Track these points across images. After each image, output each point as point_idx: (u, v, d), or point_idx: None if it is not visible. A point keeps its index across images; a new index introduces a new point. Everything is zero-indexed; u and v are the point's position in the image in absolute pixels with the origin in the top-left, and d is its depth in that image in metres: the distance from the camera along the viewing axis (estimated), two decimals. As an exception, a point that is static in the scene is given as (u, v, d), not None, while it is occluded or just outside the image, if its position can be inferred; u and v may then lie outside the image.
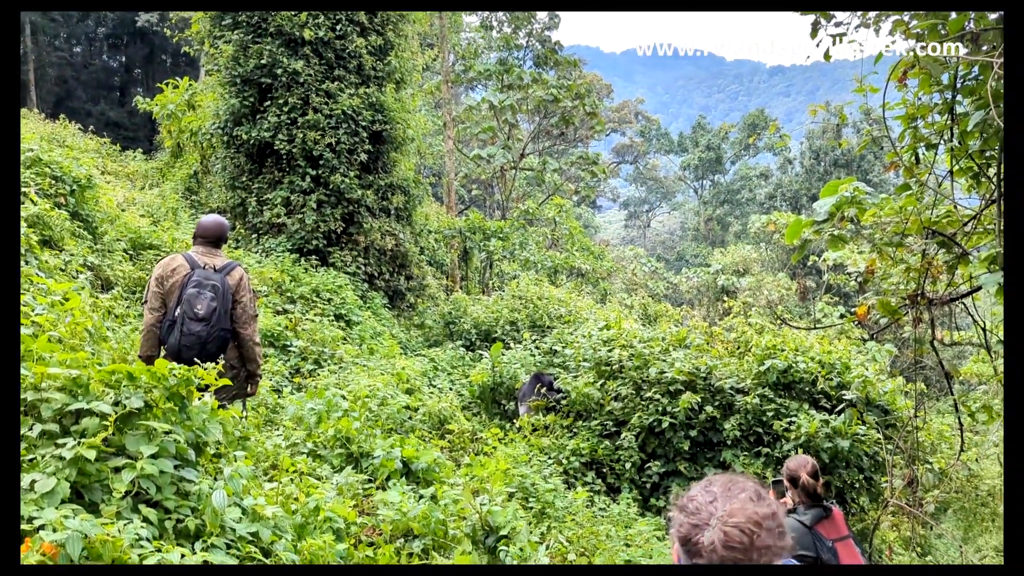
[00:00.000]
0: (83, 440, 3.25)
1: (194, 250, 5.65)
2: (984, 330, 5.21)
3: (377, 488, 5.84)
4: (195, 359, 5.30)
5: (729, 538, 1.69)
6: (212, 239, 5.66)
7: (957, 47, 4.49)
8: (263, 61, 13.84)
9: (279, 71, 13.84)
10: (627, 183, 78.86)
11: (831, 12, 4.69)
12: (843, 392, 9.20)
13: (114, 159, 19.50)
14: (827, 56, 4.89)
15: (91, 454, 3.18)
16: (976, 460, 11.60)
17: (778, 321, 14.22)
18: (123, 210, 11.83)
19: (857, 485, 8.92)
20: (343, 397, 7.45)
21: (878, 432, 8.84)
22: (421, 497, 5.62)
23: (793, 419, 8.90)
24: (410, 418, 8.73)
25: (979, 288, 4.70)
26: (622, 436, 9.18)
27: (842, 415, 8.81)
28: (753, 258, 33.84)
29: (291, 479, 5.14)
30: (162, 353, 5.46)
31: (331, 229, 13.98)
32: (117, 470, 3.32)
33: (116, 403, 3.50)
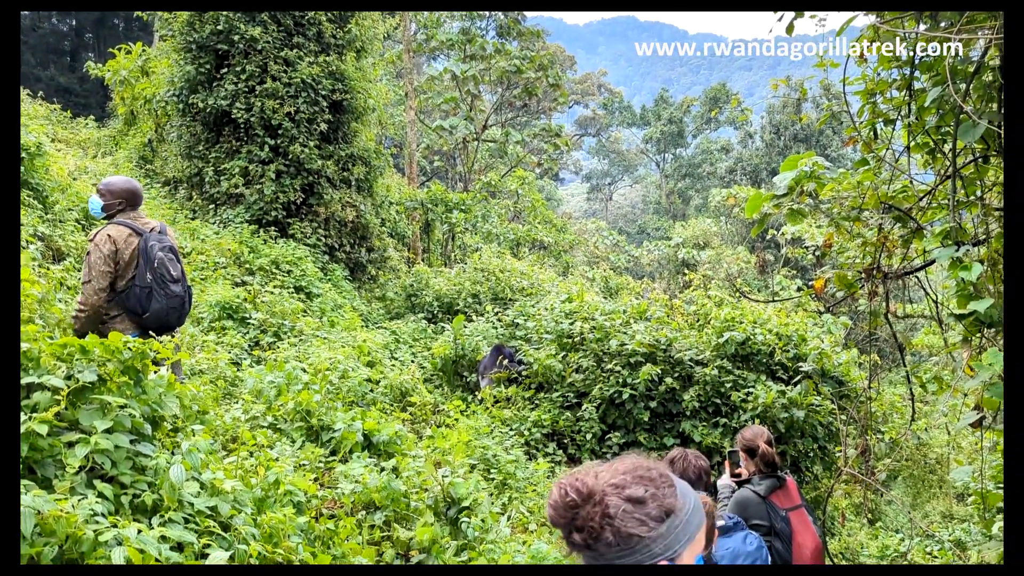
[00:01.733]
0: (34, 415, 3.17)
1: (128, 216, 5.51)
2: (936, 303, 5.33)
3: (339, 461, 5.82)
4: (178, 321, 5.51)
5: (551, 497, 1.68)
6: (140, 203, 5.57)
7: (916, 23, 4.53)
8: (219, 27, 13.49)
9: (236, 37, 13.51)
10: (590, 156, 78.94)
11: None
12: (800, 364, 9.38)
13: (65, 126, 18.91)
14: (790, 29, 4.90)
15: (43, 429, 3.10)
16: (926, 430, 11.94)
17: (737, 294, 14.41)
18: (74, 179, 11.51)
19: (811, 454, 9.12)
20: (303, 370, 7.39)
21: (833, 403, 9.05)
22: (383, 470, 5.61)
23: (751, 390, 9.05)
24: (371, 391, 8.70)
25: (932, 262, 4.80)
26: (583, 408, 9.27)
27: (798, 386, 8.99)
28: (713, 232, 34.21)
29: (250, 452, 5.10)
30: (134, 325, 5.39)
31: (290, 200, 13.77)
32: (70, 445, 3.25)
33: (68, 377, 3.42)
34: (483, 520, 5.03)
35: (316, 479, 5.40)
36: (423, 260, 20.53)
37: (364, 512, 5.05)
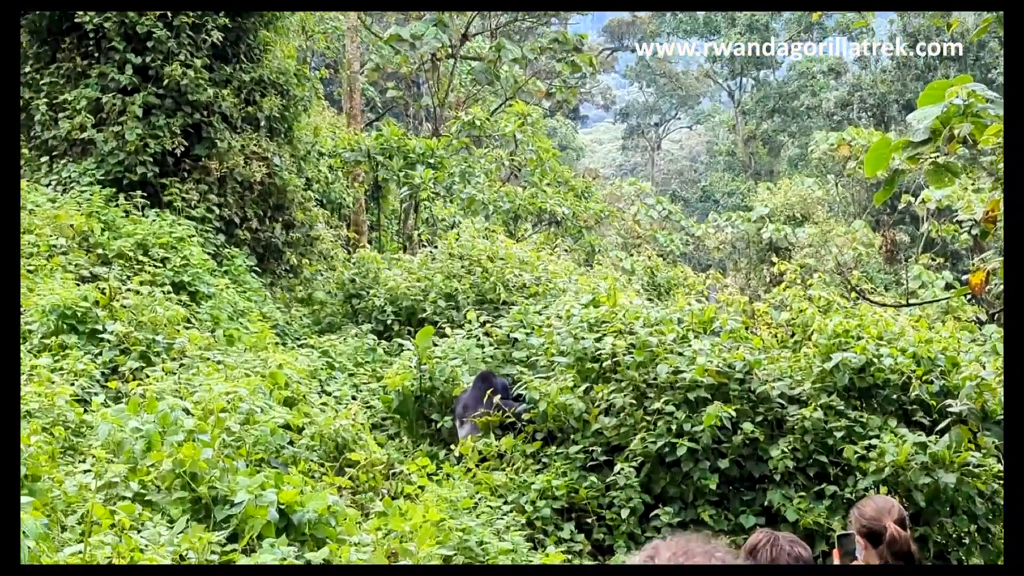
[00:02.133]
0: None
1: None
2: None
3: (241, 552, 5.82)
4: None
5: None
6: None
7: None
8: None
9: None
10: (626, 81, 79.02)
11: None
12: (948, 402, 9.39)
13: None
14: None
15: None
16: None
17: (853, 294, 14.45)
18: None
19: (966, 539, 9.15)
20: (186, 411, 7.38)
21: (999, 462, 9.07)
22: (309, 565, 5.62)
23: (873, 442, 9.08)
24: (291, 443, 8.69)
25: None
26: (617, 469, 9.29)
27: (946, 436, 9.01)
28: (817, 198, 34.28)
29: (104, 539, 5.11)
30: None
31: (166, 150, 13.78)
32: None
33: None
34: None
35: (206, 579, 5.41)
36: (370, 242, 20.55)
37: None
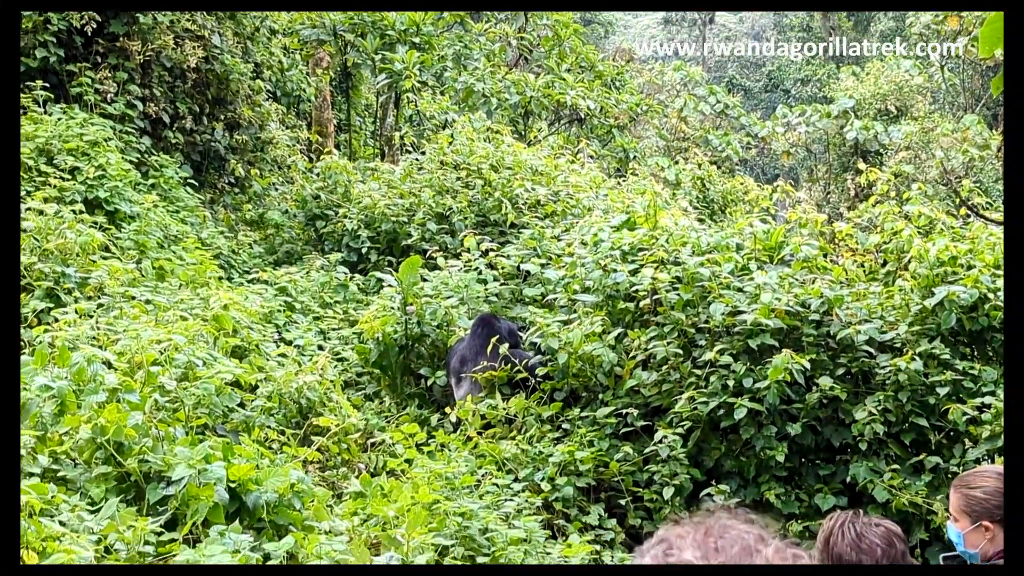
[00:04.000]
0: None
1: None
2: None
3: (182, 542, 5.91)
4: None
5: None
6: None
7: None
8: None
9: None
10: (669, -66, 78.04)
11: None
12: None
13: None
14: None
15: None
16: None
17: (962, 211, 14.43)
18: None
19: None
20: (107, 364, 7.44)
21: None
22: (268, 558, 5.71)
23: (987, 400, 9.10)
24: (242, 405, 8.75)
25: None
26: (658, 437, 9.36)
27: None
28: (916, 87, 34.02)
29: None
30: None
31: (73, 27, 13.72)
32: None
33: None
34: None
35: (139, 576, 5.51)
36: (338, 147, 20.48)
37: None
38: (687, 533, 1.86)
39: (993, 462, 8.88)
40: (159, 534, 5.90)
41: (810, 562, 1.82)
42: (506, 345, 10.25)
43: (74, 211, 11.01)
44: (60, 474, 6.32)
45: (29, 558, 4.67)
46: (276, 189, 16.42)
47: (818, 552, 4.36)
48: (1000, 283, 9.72)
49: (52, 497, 5.89)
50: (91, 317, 9.15)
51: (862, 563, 4.21)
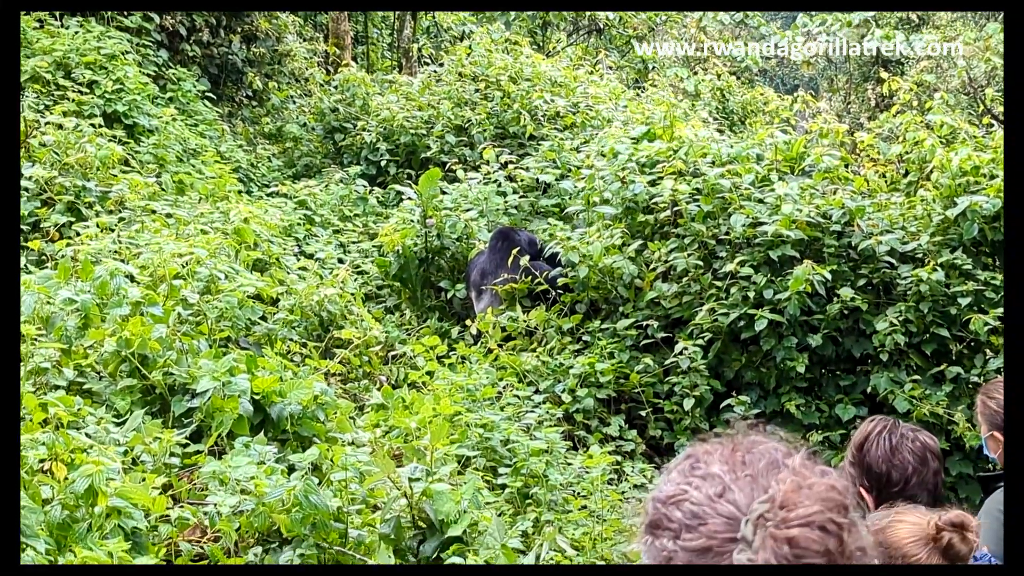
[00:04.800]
0: None
1: None
2: None
3: (207, 453, 5.97)
4: None
5: (803, 548, 1.72)
6: None
7: None
8: None
9: None
10: None
11: None
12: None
13: None
14: None
15: None
16: None
17: (986, 120, 14.33)
18: None
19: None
20: (130, 278, 7.46)
21: None
22: (292, 469, 5.76)
23: (1008, 311, 9.12)
24: (264, 318, 8.80)
25: None
26: (678, 348, 9.39)
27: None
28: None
29: (38, 436, 5.24)
30: None
31: (88, -61, 13.62)
32: None
33: None
34: (487, 562, 5.21)
35: (166, 487, 5.56)
36: (356, 60, 20.39)
37: (260, 548, 5.22)
38: (715, 449, 1.86)
39: (1014, 372, 8.90)
40: (184, 446, 5.96)
41: (836, 477, 1.81)
42: (527, 257, 10.26)
43: (93, 125, 10.99)
44: (86, 387, 6.36)
45: (58, 470, 4.70)
46: (294, 102, 16.38)
47: (850, 454, 4.37)
48: None
49: (78, 410, 5.93)
50: (112, 231, 9.16)
51: (891, 476, 4.22)
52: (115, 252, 8.58)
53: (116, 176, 10.25)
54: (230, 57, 15.22)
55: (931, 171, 10.44)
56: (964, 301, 9.22)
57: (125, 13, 13.71)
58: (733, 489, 1.79)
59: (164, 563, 4.95)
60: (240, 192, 12.14)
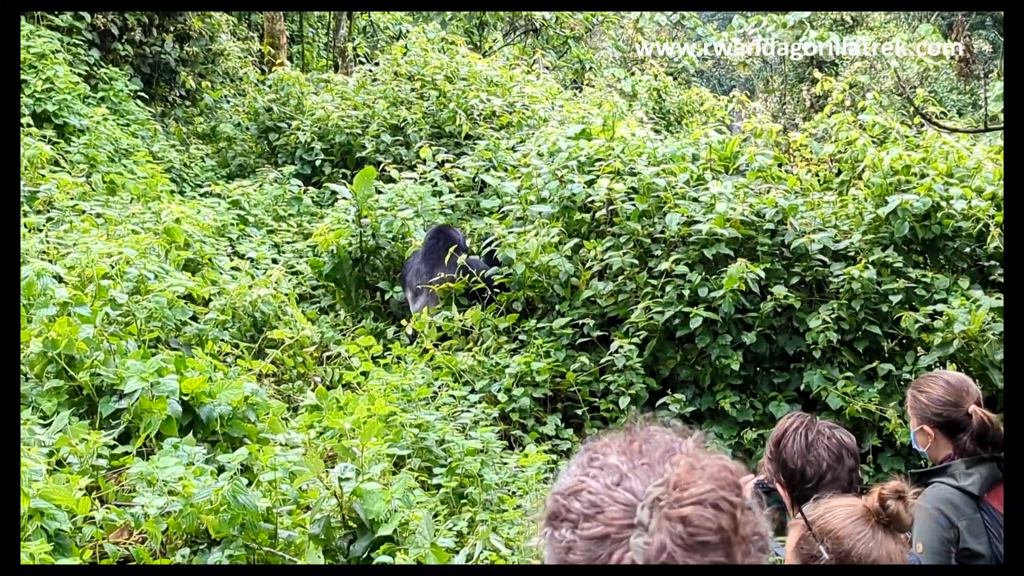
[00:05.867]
0: None
1: None
2: None
3: (135, 455, 5.90)
4: None
5: (696, 527, 1.74)
6: None
7: None
8: None
9: None
10: None
11: None
12: (1036, 255, 9.46)
13: None
14: None
15: None
16: None
17: (916, 120, 14.46)
18: None
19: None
20: (58, 278, 7.38)
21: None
22: (222, 469, 5.71)
23: (939, 308, 9.16)
24: (195, 318, 8.72)
25: None
26: (614, 347, 9.39)
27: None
28: (872, -4, 33.98)
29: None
30: None
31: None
32: None
33: None
34: (418, 561, 5.17)
35: (92, 489, 5.49)
36: (291, 59, 20.31)
37: (188, 550, 5.16)
38: (612, 441, 1.91)
39: (945, 368, 8.96)
40: (112, 447, 5.90)
41: (728, 459, 1.86)
42: (463, 256, 10.24)
43: (22, 124, 10.88)
44: (12, 388, 6.29)
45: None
46: (228, 102, 16.28)
47: (768, 450, 4.38)
48: (953, 191, 9.77)
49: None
50: (40, 231, 9.08)
51: (805, 472, 4.23)
52: (43, 252, 8.50)
53: (45, 176, 10.15)
54: (163, 56, 15.12)
55: (863, 170, 10.51)
56: (895, 299, 9.29)
57: (55, 12, 13.58)
58: (630, 477, 1.83)
59: (90, 562, 4.91)
60: (173, 192, 12.08)
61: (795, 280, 9.57)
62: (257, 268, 10.80)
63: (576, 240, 10.15)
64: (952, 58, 28.57)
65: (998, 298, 9.15)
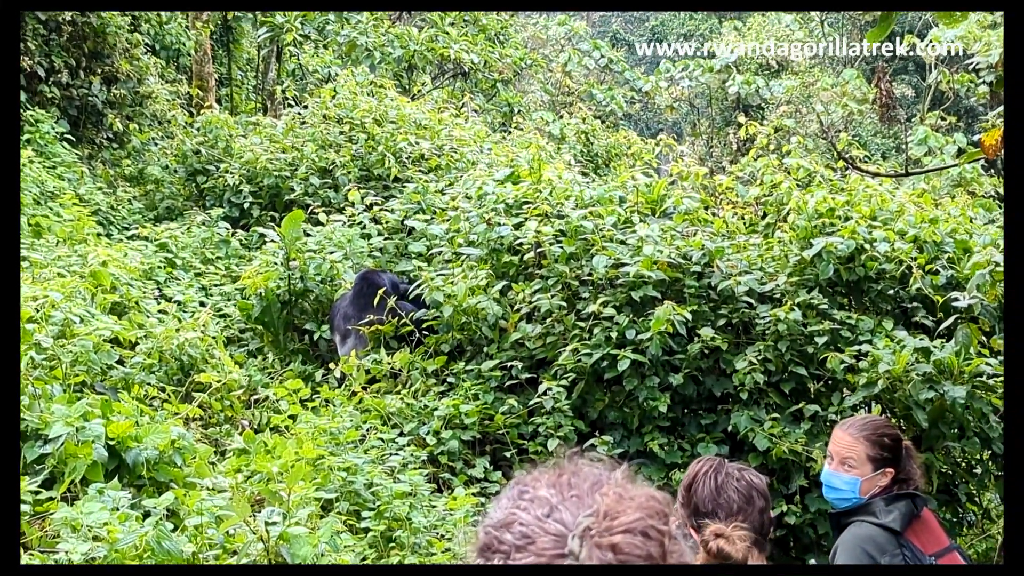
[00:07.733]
0: None
1: None
2: None
3: (59, 500, 5.84)
4: None
5: (626, 555, 1.78)
6: None
7: None
8: None
9: None
10: None
11: None
12: (956, 296, 9.46)
13: None
14: None
15: None
16: None
17: (840, 164, 14.63)
18: None
19: (978, 469, 9.42)
20: (-18, 323, 7.31)
21: (1018, 370, 9.31)
22: (147, 515, 5.67)
23: (864, 349, 9.23)
24: (121, 362, 8.65)
25: None
26: (542, 389, 9.40)
27: (954, 339, 9.12)
28: (797, 40, 34.36)
29: None
30: None
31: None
32: None
33: None
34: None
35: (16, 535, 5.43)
36: (219, 102, 20.25)
37: (113, 597, 5.11)
38: (541, 475, 1.95)
39: (870, 410, 9.05)
40: (36, 493, 5.83)
41: (656, 490, 1.91)
42: (393, 298, 10.24)
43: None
44: (-68, 434, 6.21)
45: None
46: (156, 144, 16.21)
47: (680, 495, 4.41)
48: (876, 234, 9.87)
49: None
50: (-36, 275, 8.97)
51: (717, 515, 4.26)
52: (-34, 296, 8.40)
53: (-31, 219, 10.05)
54: (90, 99, 15.03)
55: (788, 213, 10.60)
56: (821, 340, 9.37)
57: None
58: (560, 509, 1.85)
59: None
60: (99, 235, 12.00)
61: (722, 322, 9.64)
62: (184, 311, 10.76)
63: (504, 282, 10.17)
64: (876, 103, 28.99)
65: (921, 339, 9.24)
